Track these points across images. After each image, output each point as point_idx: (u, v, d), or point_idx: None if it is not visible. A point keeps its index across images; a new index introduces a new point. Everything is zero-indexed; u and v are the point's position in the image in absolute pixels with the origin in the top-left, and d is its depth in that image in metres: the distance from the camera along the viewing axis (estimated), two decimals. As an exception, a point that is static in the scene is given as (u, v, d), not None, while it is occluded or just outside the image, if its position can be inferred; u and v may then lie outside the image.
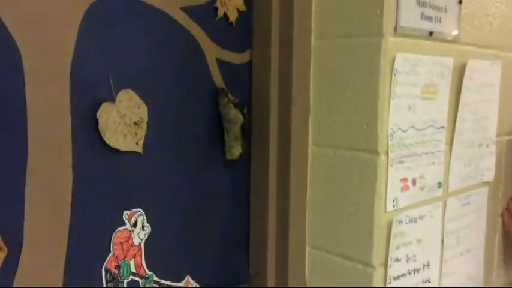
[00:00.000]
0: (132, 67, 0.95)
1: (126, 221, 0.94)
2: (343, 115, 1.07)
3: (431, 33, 1.12)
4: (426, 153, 1.13)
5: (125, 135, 0.91)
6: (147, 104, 0.96)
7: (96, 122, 0.88)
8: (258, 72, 1.17)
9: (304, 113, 1.13)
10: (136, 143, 0.93)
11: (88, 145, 0.88)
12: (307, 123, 1.13)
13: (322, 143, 1.12)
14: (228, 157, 1.11)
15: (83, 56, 0.87)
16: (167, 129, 1.01)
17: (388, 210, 1.03)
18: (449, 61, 1.16)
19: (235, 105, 1.10)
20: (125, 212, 0.94)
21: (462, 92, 1.22)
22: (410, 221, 1.09)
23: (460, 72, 1.21)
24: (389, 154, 1.03)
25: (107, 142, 0.89)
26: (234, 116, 1.08)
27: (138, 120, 0.93)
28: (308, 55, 1.12)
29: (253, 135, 1.18)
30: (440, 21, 1.14)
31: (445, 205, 1.20)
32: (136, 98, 0.94)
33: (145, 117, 0.95)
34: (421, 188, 1.12)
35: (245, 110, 1.12)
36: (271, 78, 1.15)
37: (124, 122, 0.91)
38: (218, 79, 1.10)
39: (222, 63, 1.11)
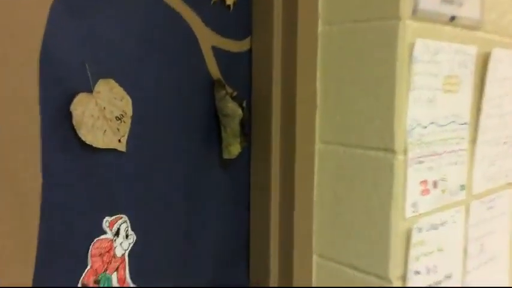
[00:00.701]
0: (115, 54, 0.83)
1: (107, 229, 0.82)
2: (354, 109, 0.95)
3: (452, 18, 1.00)
4: (448, 152, 1.01)
5: (104, 131, 0.80)
6: (131, 96, 0.84)
7: (71, 115, 0.76)
8: (258, 61, 1.05)
9: (310, 107, 1.01)
10: (119, 140, 0.82)
11: (60, 143, 0.76)
12: (313, 118, 1.02)
13: (331, 140, 1.00)
14: (226, 156, 0.99)
15: (55, 41, 0.75)
16: (155, 124, 0.90)
17: (406, 216, 0.91)
18: (472, 50, 1.04)
19: (233, 98, 0.98)
20: (105, 219, 0.82)
21: (486, 85, 1.10)
22: (431, 228, 0.97)
23: (482, 63, 1.09)
24: (408, 153, 0.91)
25: (83, 139, 0.77)
26: (232, 110, 0.96)
27: (120, 114, 0.82)
28: (314, 42, 1.01)
29: (254, 132, 1.06)
30: (462, 5, 1.02)
31: (468, 209, 1.07)
32: (119, 89, 0.82)
33: (130, 111, 0.84)
34: (443, 191, 1.00)
35: (244, 104, 1.00)
36: (273, 69, 1.03)
37: (104, 116, 0.80)
38: (214, 69, 0.99)
39: (218, 52, 0.99)
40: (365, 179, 0.95)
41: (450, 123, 1.02)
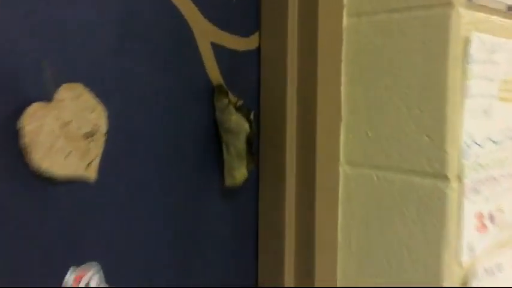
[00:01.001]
0: (84, 50, 0.63)
1: (70, 283, 0.61)
2: (390, 122, 0.76)
3: (510, 8, 0.81)
4: (505, 176, 0.81)
5: (67, 154, 0.59)
6: (107, 105, 0.64)
7: (20, 133, 0.55)
8: (269, 63, 0.85)
9: (333, 120, 0.82)
10: (88, 165, 0.61)
11: (6, 170, 0.55)
12: (337, 134, 0.82)
13: (360, 162, 0.80)
14: (228, 183, 0.78)
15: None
16: (138, 143, 0.69)
17: (463, 262, 0.71)
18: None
19: (238, 109, 0.78)
20: (70, 270, 0.61)
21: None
22: (488, 274, 0.77)
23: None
24: (463, 179, 0.71)
25: (38, 165, 0.56)
26: (237, 124, 0.76)
27: (91, 131, 0.61)
28: (339, 39, 0.81)
29: (263, 151, 0.86)
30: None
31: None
32: (89, 97, 0.62)
33: (103, 126, 0.63)
34: (500, 227, 0.80)
35: (252, 116, 0.79)
36: (287, 72, 0.83)
37: (66, 134, 0.59)
38: (214, 72, 0.78)
39: (219, 51, 0.79)
40: (406, 212, 0.75)
41: (506, 139, 0.82)
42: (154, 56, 0.71)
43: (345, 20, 0.81)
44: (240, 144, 0.77)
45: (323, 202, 0.83)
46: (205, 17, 0.77)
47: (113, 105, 0.66)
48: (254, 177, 0.84)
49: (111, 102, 0.66)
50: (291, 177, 0.83)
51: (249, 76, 0.84)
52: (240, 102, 0.82)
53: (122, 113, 0.67)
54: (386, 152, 0.77)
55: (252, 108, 0.82)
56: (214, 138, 0.79)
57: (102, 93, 0.65)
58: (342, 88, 0.82)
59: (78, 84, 0.62)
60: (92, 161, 0.62)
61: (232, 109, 0.77)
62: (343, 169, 0.83)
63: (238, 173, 0.77)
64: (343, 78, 0.82)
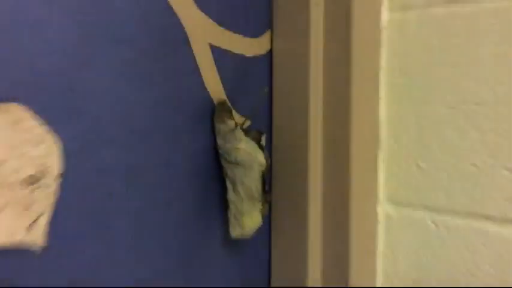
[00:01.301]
0: (27, 54, 0.42)
1: None
2: (452, 149, 0.57)
3: None
4: None
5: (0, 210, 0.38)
6: (61, 135, 0.43)
7: None
8: (284, 72, 0.65)
9: (370, 146, 0.62)
10: (30, 226, 0.40)
11: None
12: (375, 164, 0.62)
13: (408, 201, 0.61)
14: (236, 234, 0.58)
15: None
16: (107, 190, 0.48)
17: None
18: None
19: (248, 134, 0.58)
20: None
21: None
22: None
23: None
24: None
25: None
26: (247, 154, 0.56)
27: (36, 174, 0.41)
28: (377, 40, 0.61)
29: (276, 188, 0.66)
30: None
31: None
32: (33, 123, 0.41)
33: (55, 166, 0.43)
34: None
35: (263, 141, 0.59)
36: (309, 83, 0.63)
37: (-5, 181, 0.38)
38: (213, 84, 0.58)
39: (221, 55, 0.59)
40: (478, 273, 0.55)
41: None
42: (132, 62, 0.51)
43: (386, 15, 0.62)
44: (252, 181, 0.56)
45: (357, 254, 0.63)
46: (202, 12, 0.57)
47: (70, 134, 0.45)
48: (266, 227, 0.64)
49: (67, 130, 0.45)
50: (314, 220, 0.63)
51: (258, 89, 0.64)
52: (247, 122, 0.62)
53: (84, 145, 0.47)
54: (446, 190, 0.58)
55: (262, 129, 0.62)
56: (215, 173, 0.59)
57: (54, 117, 0.44)
58: (382, 105, 0.63)
59: (14, 106, 0.41)
60: (35, 221, 0.41)
61: (240, 134, 0.56)
62: (384, 210, 0.63)
63: (249, 220, 0.57)
64: (382, 92, 0.62)
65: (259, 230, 0.61)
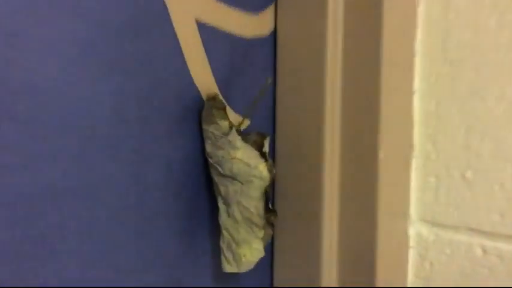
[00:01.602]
0: None
1: None
2: (507, 155, 0.43)
3: None
4: None
5: None
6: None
7: None
8: (293, 57, 0.52)
9: (401, 151, 0.49)
10: None
11: None
12: (406, 176, 0.49)
13: (449, 222, 0.48)
14: (229, 270, 0.44)
15: None
16: (55, 215, 0.35)
17: None
18: None
19: (247, 138, 0.44)
20: None
21: None
22: None
23: None
24: None
25: None
26: (245, 165, 0.42)
27: None
28: (412, 14, 0.48)
29: (280, 205, 0.52)
30: None
31: None
32: None
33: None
34: None
35: (266, 147, 0.45)
36: (326, 72, 0.49)
37: None
38: (203, 74, 0.45)
39: (211, 36, 0.45)
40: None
41: None
42: (81, 46, 0.37)
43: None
44: (251, 200, 0.43)
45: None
46: (185, -22, 0.43)
47: (4, 145, 0.32)
48: (268, 256, 0.51)
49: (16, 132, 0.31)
50: (329, 244, 0.50)
51: (259, 80, 0.50)
52: (245, 124, 0.49)
53: (28, 160, 0.33)
54: (500, 208, 0.45)
55: (265, 131, 0.49)
56: (204, 191, 0.45)
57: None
58: (417, 100, 0.49)
59: None
60: None
61: (236, 139, 0.43)
62: (417, 232, 0.50)
63: (246, 251, 0.43)
64: (418, 83, 0.49)
65: (263, 264, 0.47)
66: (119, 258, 0.40)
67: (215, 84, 0.46)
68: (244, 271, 0.44)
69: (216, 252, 0.46)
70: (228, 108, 0.47)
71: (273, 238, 0.53)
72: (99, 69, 0.37)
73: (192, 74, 0.44)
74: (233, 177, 0.43)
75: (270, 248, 0.53)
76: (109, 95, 0.38)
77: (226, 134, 0.43)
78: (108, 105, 0.38)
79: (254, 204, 0.43)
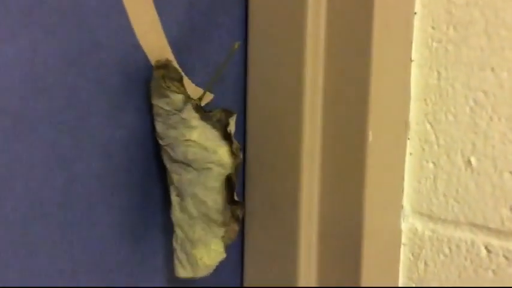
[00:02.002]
0: None
1: None
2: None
3: None
4: None
5: None
6: None
7: None
8: (267, 13, 0.43)
9: (393, 131, 0.41)
10: None
11: None
12: (399, 161, 0.41)
13: (448, 215, 0.40)
14: (183, 275, 0.36)
15: None
16: None
17: None
18: None
19: (207, 116, 0.36)
20: None
21: None
22: None
23: None
24: None
25: None
26: (203, 150, 0.34)
27: None
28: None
29: (250, 196, 0.44)
30: None
31: None
32: None
33: None
34: None
35: (231, 127, 0.37)
36: (306, 33, 0.41)
37: None
38: (152, 34, 0.36)
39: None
40: None
41: None
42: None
43: None
44: (209, 193, 0.35)
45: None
46: None
47: None
48: (235, 256, 0.43)
49: None
50: (307, 241, 0.43)
51: (224, 44, 0.41)
52: (207, 98, 0.40)
53: None
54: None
55: (232, 107, 0.41)
56: (154, 180, 0.37)
57: None
58: (414, 70, 0.41)
59: None
60: None
61: (192, 116, 0.35)
62: (411, 226, 0.43)
63: (203, 253, 0.35)
64: (416, 52, 0.41)
65: (229, 265, 0.40)
66: (38, 261, 0.32)
67: (168, 47, 0.37)
68: (201, 276, 0.36)
69: (169, 254, 0.38)
70: (185, 79, 0.39)
71: (243, 232, 0.46)
72: (5, 22, 0.28)
73: (138, 33, 0.35)
74: (187, 164, 0.35)
75: (240, 243, 0.46)
76: (20, 56, 0.29)
77: (180, 110, 0.35)
78: (20, 70, 0.29)
79: (212, 197, 0.35)
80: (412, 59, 0.41)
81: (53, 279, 0.32)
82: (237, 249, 0.45)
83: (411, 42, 0.41)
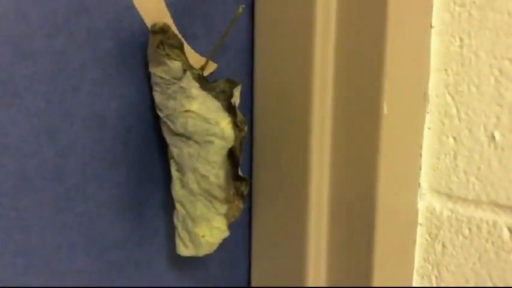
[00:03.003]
0: None
1: None
2: None
3: None
4: None
5: None
6: None
7: None
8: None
9: (410, 102, 0.38)
10: None
11: None
12: (417, 135, 0.38)
13: (469, 194, 0.37)
14: (184, 253, 0.34)
15: None
16: None
17: None
18: None
19: (210, 86, 0.33)
20: None
21: None
22: None
23: None
24: None
25: None
26: (204, 121, 0.32)
27: None
28: None
29: (258, 175, 0.42)
30: None
31: None
32: None
33: None
34: None
35: (236, 98, 0.34)
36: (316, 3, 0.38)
37: None
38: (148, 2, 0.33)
39: None
40: None
41: None
42: None
43: None
44: (211, 167, 0.33)
45: (381, 271, 0.40)
46: None
47: None
48: (244, 231, 0.41)
49: None
50: (318, 220, 0.40)
51: (228, 8, 0.39)
52: (210, 68, 0.38)
53: None
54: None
55: (236, 78, 0.38)
56: (153, 152, 0.35)
57: None
58: (435, 37, 0.38)
59: None
60: None
61: (192, 86, 0.32)
62: (429, 206, 0.40)
63: (205, 230, 0.33)
64: (437, 17, 0.38)
65: (233, 240, 0.37)
66: (31, 236, 0.30)
67: (166, 10, 0.34)
68: (203, 254, 0.34)
69: (169, 232, 0.36)
70: (186, 46, 0.36)
71: (250, 211, 0.43)
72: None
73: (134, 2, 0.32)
74: (188, 137, 0.32)
75: (247, 222, 0.43)
76: (2, 18, 0.27)
77: (179, 79, 0.32)
78: (2, 32, 0.27)
79: (214, 172, 0.33)
80: (432, 25, 0.38)
81: (49, 256, 0.31)
82: (244, 229, 0.43)
83: (431, 7, 0.38)
